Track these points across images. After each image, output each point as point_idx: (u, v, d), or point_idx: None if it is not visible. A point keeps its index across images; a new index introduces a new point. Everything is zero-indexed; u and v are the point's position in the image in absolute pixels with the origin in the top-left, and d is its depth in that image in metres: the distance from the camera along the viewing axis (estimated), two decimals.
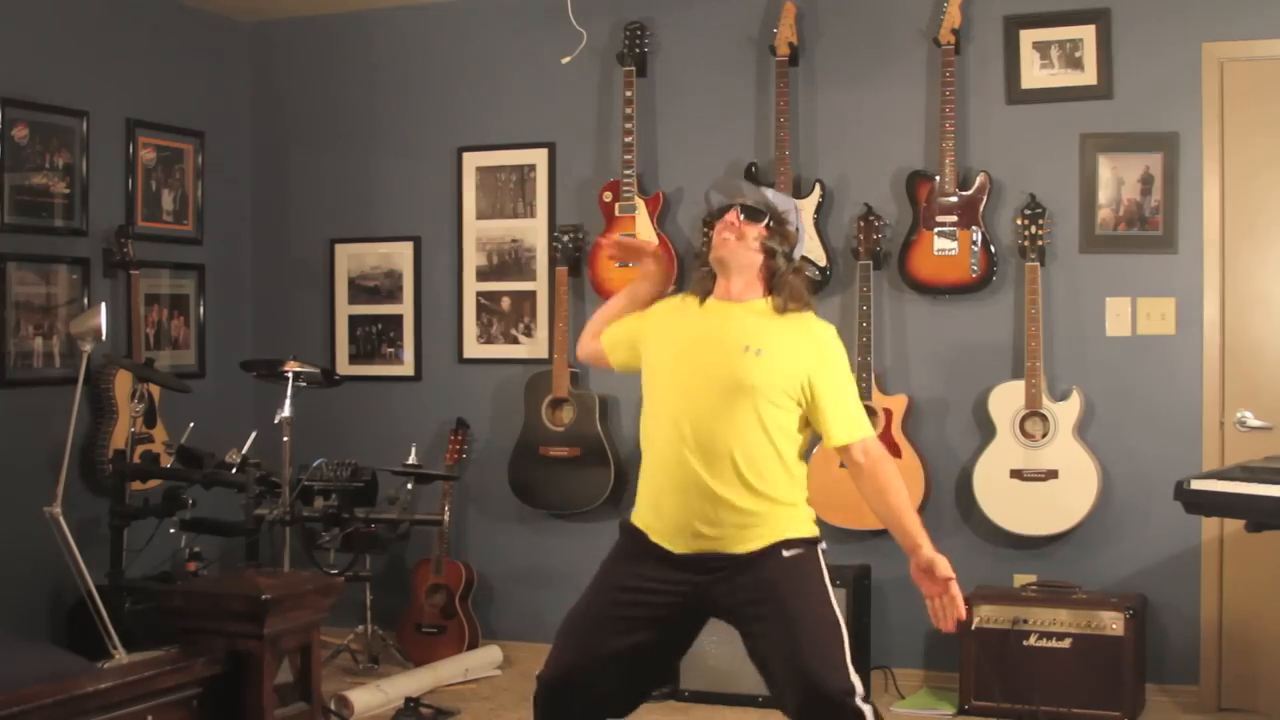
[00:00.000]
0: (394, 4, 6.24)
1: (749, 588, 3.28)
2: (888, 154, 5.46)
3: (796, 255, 3.44)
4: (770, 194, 3.47)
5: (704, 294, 3.44)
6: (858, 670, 3.27)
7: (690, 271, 3.60)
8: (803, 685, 3.17)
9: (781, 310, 3.36)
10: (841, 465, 5.26)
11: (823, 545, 3.40)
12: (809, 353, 3.33)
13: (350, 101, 6.37)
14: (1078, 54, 5.24)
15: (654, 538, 3.36)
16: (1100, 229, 5.24)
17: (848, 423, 3.34)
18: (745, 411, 3.27)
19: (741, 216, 3.38)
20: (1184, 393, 5.13)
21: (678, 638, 3.45)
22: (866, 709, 3.18)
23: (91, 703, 3.06)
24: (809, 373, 3.31)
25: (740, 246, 3.37)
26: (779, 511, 3.33)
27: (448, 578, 5.83)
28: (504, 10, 6.10)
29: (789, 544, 3.31)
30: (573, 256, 5.82)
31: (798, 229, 3.45)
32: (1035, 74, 5.30)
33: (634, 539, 3.41)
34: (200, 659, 3.31)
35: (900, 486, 3.38)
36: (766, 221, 3.39)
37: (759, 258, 3.38)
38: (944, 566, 3.25)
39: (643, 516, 3.41)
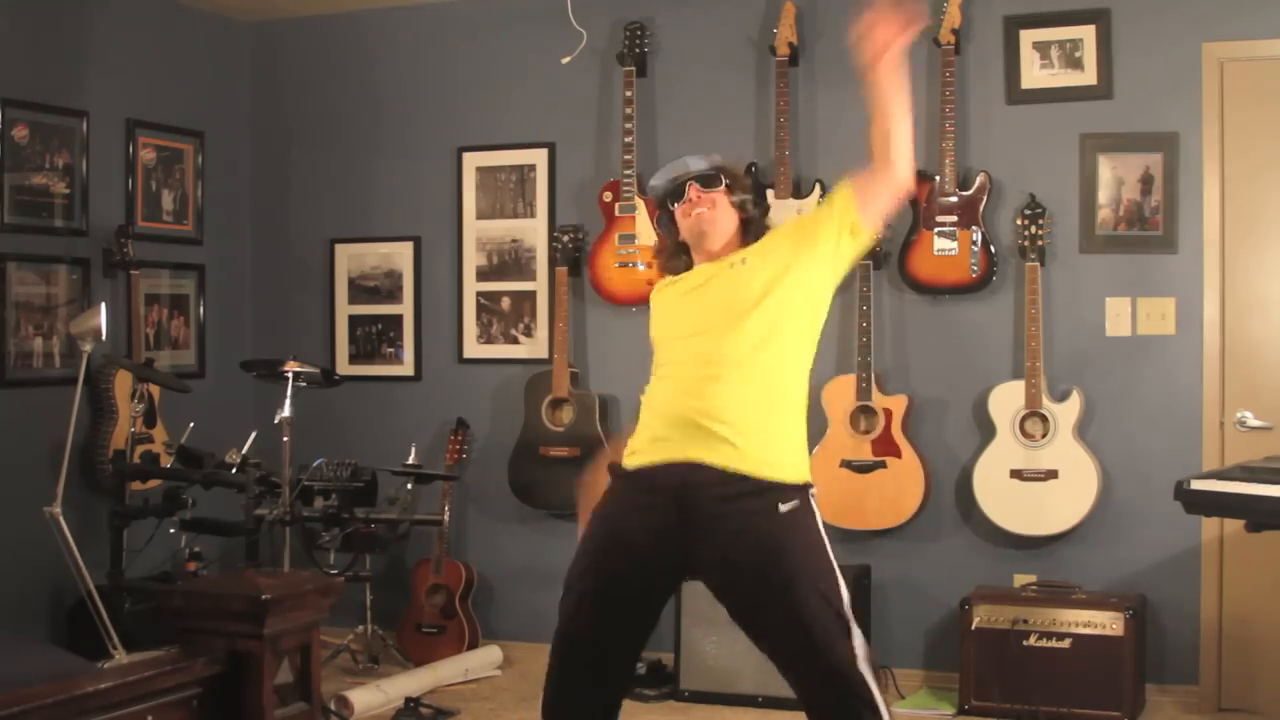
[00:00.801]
0: (394, 4, 6.24)
1: (742, 543, 3.15)
2: None
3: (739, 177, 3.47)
4: (693, 158, 3.46)
5: (684, 269, 3.44)
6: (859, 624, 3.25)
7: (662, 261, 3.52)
8: (804, 663, 3.15)
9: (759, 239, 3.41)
10: (844, 463, 5.32)
11: (813, 490, 3.25)
12: (780, 234, 3.40)
13: (350, 101, 6.37)
14: (1078, 54, 5.24)
15: (636, 461, 3.27)
16: (1100, 229, 5.24)
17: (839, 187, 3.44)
18: (752, 324, 3.22)
19: (701, 188, 3.37)
20: (1184, 393, 5.13)
21: (662, 593, 3.36)
22: (868, 676, 3.15)
23: (91, 703, 3.06)
24: (799, 230, 3.40)
25: (716, 214, 3.36)
26: (771, 440, 3.21)
27: (448, 578, 5.83)
28: (504, 10, 6.10)
29: (784, 493, 3.17)
30: (573, 256, 5.82)
31: (750, 171, 3.51)
32: (1035, 74, 5.30)
33: (613, 491, 3.32)
34: (200, 659, 3.31)
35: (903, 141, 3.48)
36: (725, 182, 3.39)
37: (736, 217, 3.39)
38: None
39: (629, 449, 3.32)
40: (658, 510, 3.21)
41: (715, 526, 3.17)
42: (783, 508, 3.17)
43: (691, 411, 3.20)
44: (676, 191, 3.40)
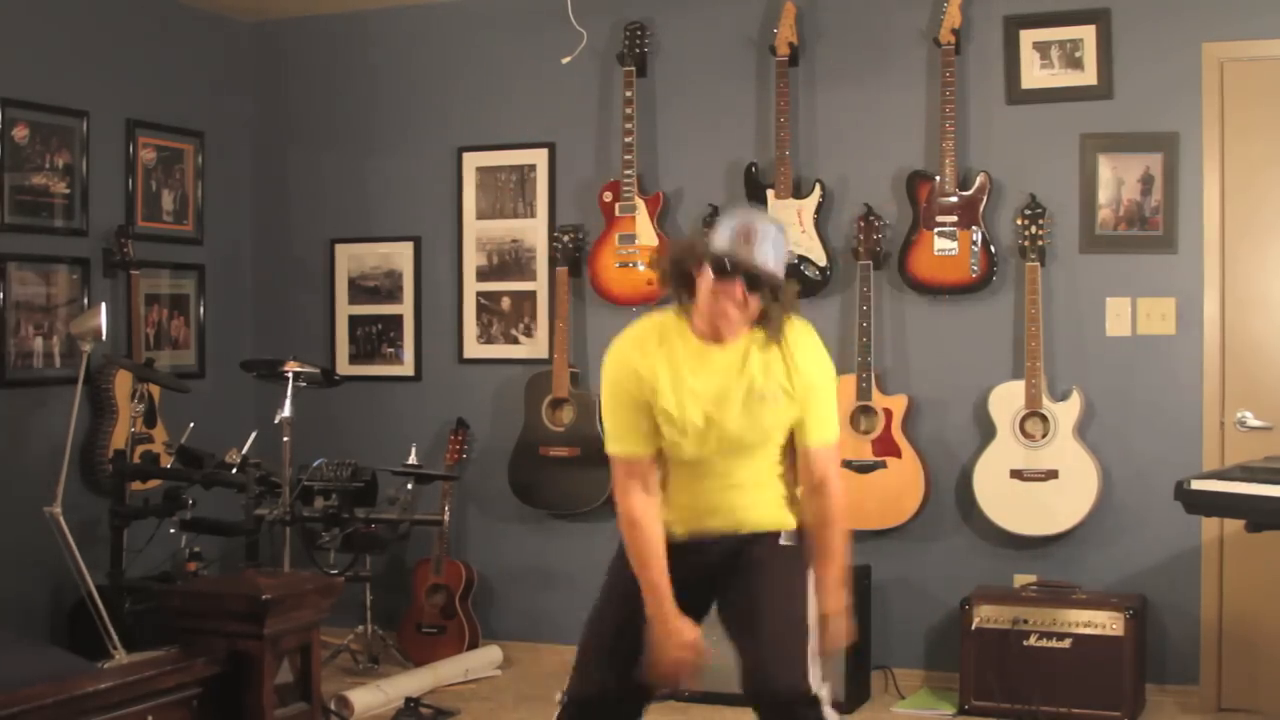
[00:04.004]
0: (394, 4, 6.24)
1: (738, 556, 3.38)
2: (888, 154, 5.46)
3: (783, 287, 3.30)
4: (770, 248, 3.21)
5: (677, 301, 3.33)
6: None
7: (669, 279, 3.37)
8: (754, 673, 3.26)
9: (773, 338, 3.31)
10: (845, 463, 5.32)
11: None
12: (799, 377, 3.31)
13: (350, 101, 6.37)
14: (1078, 54, 5.24)
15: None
16: (1100, 229, 5.24)
17: (823, 428, 3.36)
18: (759, 447, 3.35)
19: (747, 289, 3.19)
20: (1184, 393, 5.13)
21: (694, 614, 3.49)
22: (827, 711, 3.24)
23: (91, 703, 3.06)
24: (802, 395, 3.32)
25: (742, 316, 3.25)
26: (781, 503, 3.41)
27: (448, 578, 5.83)
28: (504, 10, 6.10)
29: (784, 535, 3.39)
30: (573, 256, 5.82)
31: (790, 253, 3.35)
32: (1035, 74, 5.29)
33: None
34: (200, 659, 3.31)
35: (842, 532, 3.37)
36: (768, 289, 3.22)
37: (755, 315, 3.27)
38: (836, 636, 3.34)
39: None
40: (685, 569, 3.37)
41: (723, 561, 3.41)
42: (782, 540, 3.39)
43: (713, 505, 3.39)
44: (721, 265, 3.20)
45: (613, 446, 3.35)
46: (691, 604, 3.40)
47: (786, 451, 3.40)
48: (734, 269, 3.17)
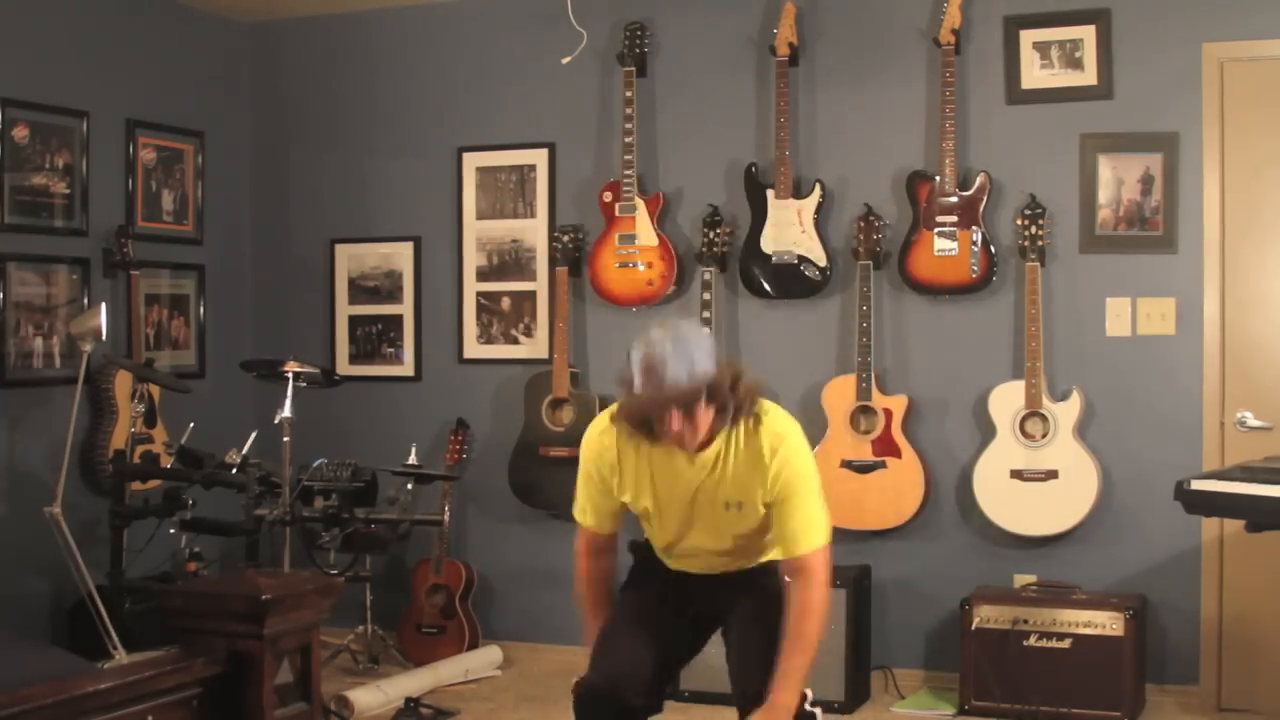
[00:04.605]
0: (394, 4, 6.24)
1: (740, 578, 3.50)
2: (888, 154, 5.46)
3: (742, 377, 3.27)
4: (681, 364, 3.14)
5: (646, 432, 3.29)
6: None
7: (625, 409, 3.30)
8: (743, 689, 3.32)
9: (741, 441, 3.30)
10: (845, 463, 5.32)
11: None
12: (774, 482, 3.30)
13: (350, 101, 6.37)
14: (1078, 54, 5.24)
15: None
16: (1100, 229, 5.24)
17: (808, 533, 3.34)
18: (739, 546, 3.44)
19: (684, 416, 3.17)
20: (1184, 393, 5.13)
21: (697, 633, 3.61)
22: (816, 713, 3.31)
23: (91, 703, 3.07)
24: (778, 498, 3.32)
25: (696, 432, 3.23)
26: (772, 553, 3.51)
27: (448, 578, 5.83)
28: (504, 10, 6.10)
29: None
30: (573, 256, 5.82)
31: (711, 350, 3.22)
32: (1035, 74, 5.29)
33: (650, 556, 3.60)
34: (200, 659, 3.31)
35: (818, 624, 3.33)
36: (704, 394, 3.18)
37: (713, 414, 3.23)
38: None
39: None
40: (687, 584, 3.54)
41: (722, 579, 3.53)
42: (782, 572, 3.42)
43: (699, 565, 3.52)
44: (648, 410, 3.21)
45: (576, 513, 3.53)
46: (701, 612, 3.52)
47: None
48: (660, 405, 3.15)
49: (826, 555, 3.35)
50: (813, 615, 3.29)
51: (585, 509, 3.50)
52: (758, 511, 3.34)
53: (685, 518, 3.38)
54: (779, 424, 3.32)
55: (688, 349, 3.16)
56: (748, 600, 3.45)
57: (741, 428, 3.28)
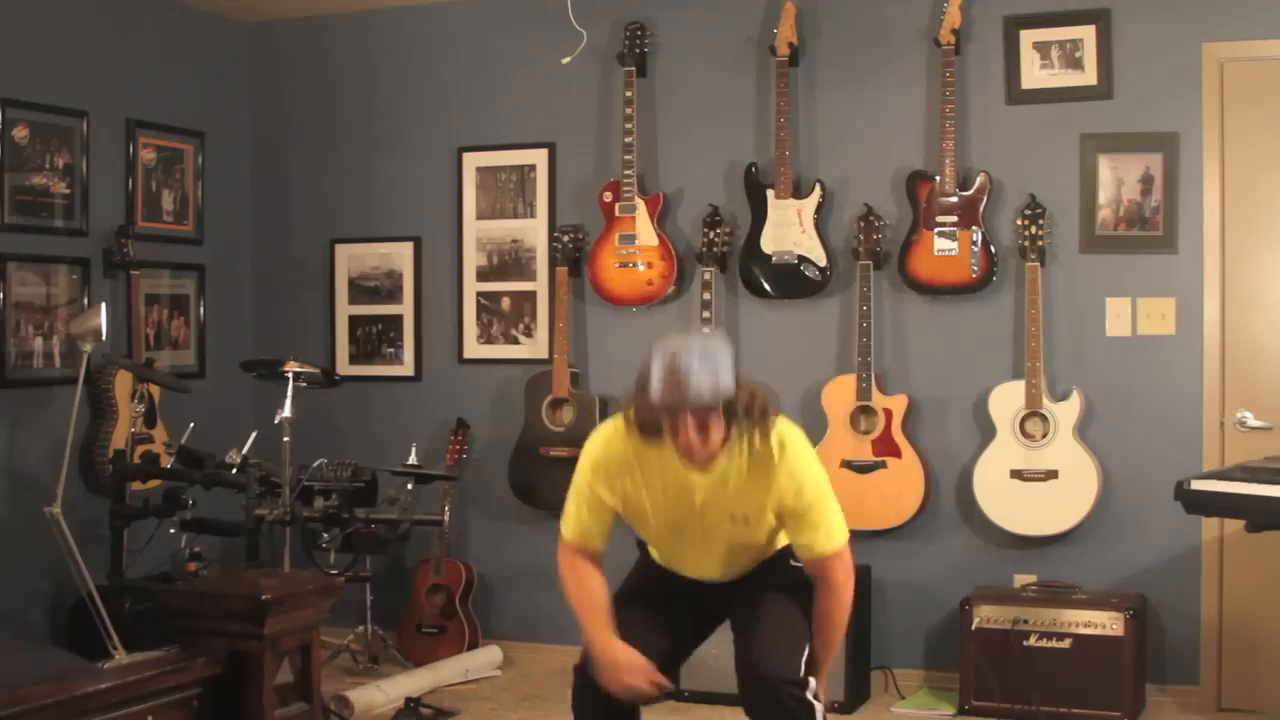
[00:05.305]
0: (394, 4, 6.24)
1: (746, 576, 3.53)
2: (888, 154, 5.46)
3: (757, 394, 3.25)
4: (705, 376, 3.12)
5: (654, 438, 3.27)
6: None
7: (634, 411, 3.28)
8: (746, 663, 3.34)
9: (748, 453, 3.29)
10: (845, 463, 5.32)
11: None
12: (782, 493, 3.31)
13: (350, 101, 6.37)
14: (1078, 54, 5.24)
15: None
16: (1100, 229, 5.24)
17: (828, 536, 3.35)
18: (745, 555, 3.47)
19: (697, 425, 3.15)
20: (1184, 393, 5.13)
21: (705, 619, 3.66)
22: (817, 706, 3.30)
23: (91, 703, 3.07)
24: (788, 509, 3.33)
25: (708, 446, 3.20)
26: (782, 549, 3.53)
27: (448, 578, 5.83)
28: (504, 10, 6.10)
29: (795, 557, 3.47)
30: (573, 256, 5.82)
31: (733, 365, 3.21)
32: (1035, 74, 5.29)
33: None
34: (200, 659, 3.32)
35: (846, 618, 3.43)
36: (721, 410, 3.16)
37: (724, 429, 3.21)
38: None
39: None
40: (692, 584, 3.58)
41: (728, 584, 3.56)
42: (792, 561, 3.47)
43: (706, 571, 3.53)
44: (666, 415, 3.19)
45: (562, 524, 3.46)
46: (707, 610, 3.57)
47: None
48: (677, 413, 3.14)
49: (848, 553, 3.39)
50: (836, 620, 3.39)
51: (570, 518, 3.44)
52: (767, 522, 3.35)
53: (691, 530, 3.38)
54: (785, 434, 3.32)
55: (714, 363, 3.14)
56: (756, 584, 3.47)
57: (749, 439, 3.27)
